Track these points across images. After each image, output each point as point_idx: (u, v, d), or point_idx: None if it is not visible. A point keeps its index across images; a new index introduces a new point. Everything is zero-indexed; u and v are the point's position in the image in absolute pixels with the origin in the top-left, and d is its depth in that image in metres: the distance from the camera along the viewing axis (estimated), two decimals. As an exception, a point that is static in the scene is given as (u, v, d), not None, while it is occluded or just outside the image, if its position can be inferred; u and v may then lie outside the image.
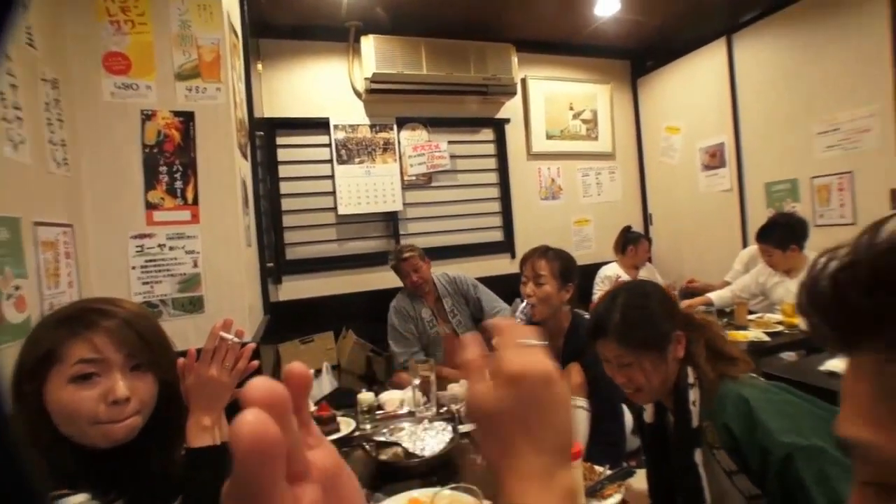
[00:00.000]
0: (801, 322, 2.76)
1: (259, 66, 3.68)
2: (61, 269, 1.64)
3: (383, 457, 1.60)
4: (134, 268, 1.93)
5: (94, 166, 1.88)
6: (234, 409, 1.13)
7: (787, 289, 3.04)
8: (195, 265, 1.99)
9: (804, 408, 1.10)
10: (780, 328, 2.83)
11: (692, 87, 4.55)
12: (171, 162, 1.94)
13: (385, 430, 1.72)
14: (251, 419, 0.23)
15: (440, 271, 3.49)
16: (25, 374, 0.90)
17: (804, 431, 1.02)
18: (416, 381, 1.92)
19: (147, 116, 1.91)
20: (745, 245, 4.03)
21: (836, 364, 2.07)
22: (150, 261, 1.95)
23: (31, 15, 1.59)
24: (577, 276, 2.18)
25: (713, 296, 3.51)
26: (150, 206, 1.93)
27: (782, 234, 3.02)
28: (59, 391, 0.89)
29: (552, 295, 2.04)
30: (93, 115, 1.86)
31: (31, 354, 0.91)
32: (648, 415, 1.41)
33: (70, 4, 1.83)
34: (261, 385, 0.25)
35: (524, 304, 2.08)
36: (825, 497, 0.99)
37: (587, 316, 2.02)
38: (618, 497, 1.30)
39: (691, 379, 1.23)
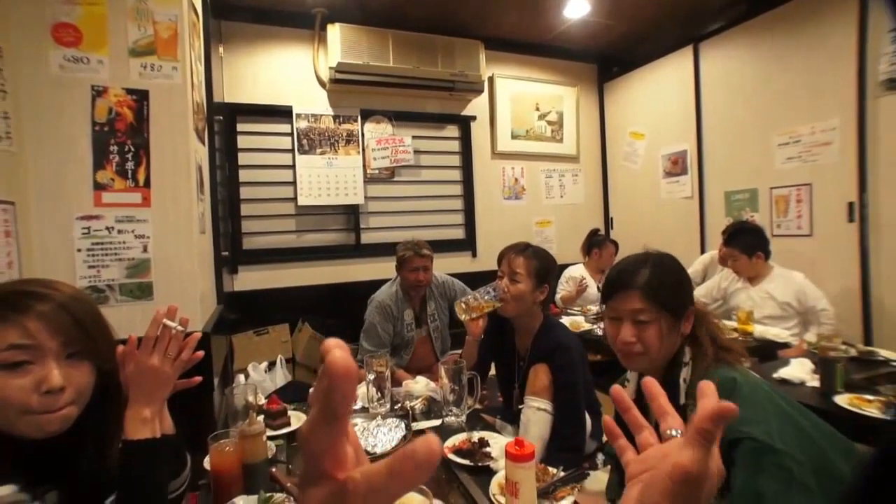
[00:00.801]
0: (755, 329, 2.84)
1: (220, 49, 3.58)
2: (0, 248, 1.55)
3: (333, 452, 1.56)
4: (80, 250, 1.83)
5: (40, 142, 1.78)
6: (175, 400, 1.08)
7: (749, 296, 3.08)
8: (145, 250, 1.91)
9: (785, 411, 1.10)
10: (735, 335, 2.82)
11: (657, 94, 4.63)
12: (122, 141, 1.85)
13: (337, 426, 1.68)
14: (341, 353, 0.31)
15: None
16: None
17: (770, 430, 1.03)
18: (371, 377, 1.88)
19: (98, 92, 1.81)
20: (703, 251, 4.12)
21: (789, 372, 2.14)
22: (97, 244, 1.86)
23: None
24: (554, 277, 2.13)
25: (689, 271, 3.59)
26: (99, 187, 1.84)
27: (750, 240, 3.06)
28: None
29: (525, 293, 1.99)
30: (39, 88, 1.76)
31: None
32: (630, 392, 1.39)
33: (16, -31, 1.72)
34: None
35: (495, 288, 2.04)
36: (743, 485, 1.02)
37: (562, 320, 2.01)
38: (570, 499, 1.30)
39: (686, 357, 1.24)
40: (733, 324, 2.96)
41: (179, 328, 1.06)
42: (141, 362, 1.01)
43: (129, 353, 1.01)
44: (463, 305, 2.11)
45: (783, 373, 2.15)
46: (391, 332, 2.99)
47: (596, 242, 4.14)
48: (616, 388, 0.54)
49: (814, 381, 2.05)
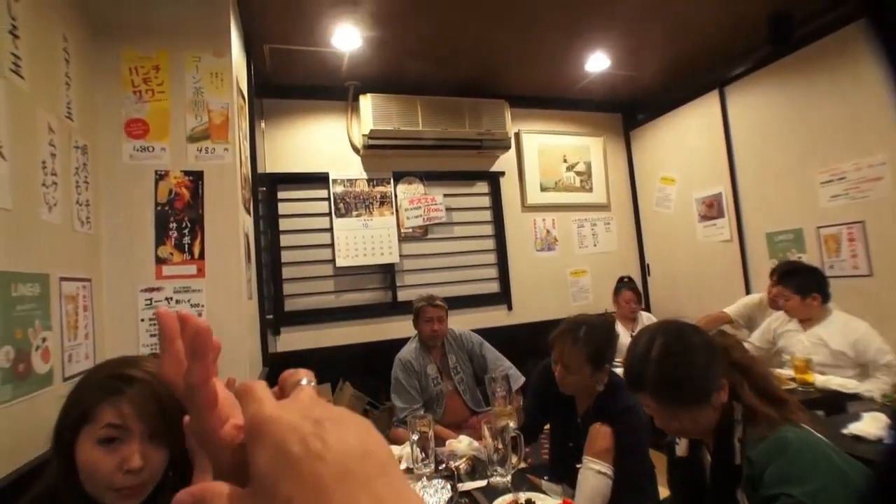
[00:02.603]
0: (815, 379, 2.58)
1: (262, 124, 3.81)
2: (80, 322, 1.70)
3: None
4: (143, 320, 1.97)
5: (112, 223, 1.98)
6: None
7: (800, 340, 2.86)
8: (199, 317, 2.03)
9: (841, 474, 1.04)
10: (793, 385, 2.63)
11: (685, 139, 4.64)
12: (180, 219, 2.01)
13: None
14: (186, 313, 0.36)
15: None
16: (63, 428, 0.98)
17: (812, 491, 1.00)
18: (415, 437, 1.91)
19: (160, 176, 2.00)
20: (747, 294, 3.96)
21: (861, 427, 1.94)
22: (158, 314, 1.98)
23: (72, 91, 1.71)
24: (615, 350, 1.99)
25: (729, 310, 3.51)
26: (160, 261, 1.99)
27: (805, 279, 2.87)
28: (87, 450, 0.96)
29: (580, 382, 1.91)
30: (113, 177, 1.99)
31: (69, 412, 1.00)
32: (682, 449, 1.37)
33: (101, 77, 1.98)
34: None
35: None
36: None
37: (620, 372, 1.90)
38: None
39: (738, 415, 1.18)
40: (790, 373, 2.74)
41: None
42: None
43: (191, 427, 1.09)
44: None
45: (854, 428, 1.95)
46: (417, 387, 3.05)
47: (616, 290, 4.15)
48: None
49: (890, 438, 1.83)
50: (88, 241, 1.84)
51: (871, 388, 2.51)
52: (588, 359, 1.88)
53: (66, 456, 0.96)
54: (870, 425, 1.93)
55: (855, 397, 2.50)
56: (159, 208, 1.98)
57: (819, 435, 1.15)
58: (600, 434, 1.81)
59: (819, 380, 2.62)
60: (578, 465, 1.84)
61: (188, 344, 0.35)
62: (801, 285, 2.86)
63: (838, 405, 2.45)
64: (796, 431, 1.11)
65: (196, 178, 2.03)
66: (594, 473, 1.76)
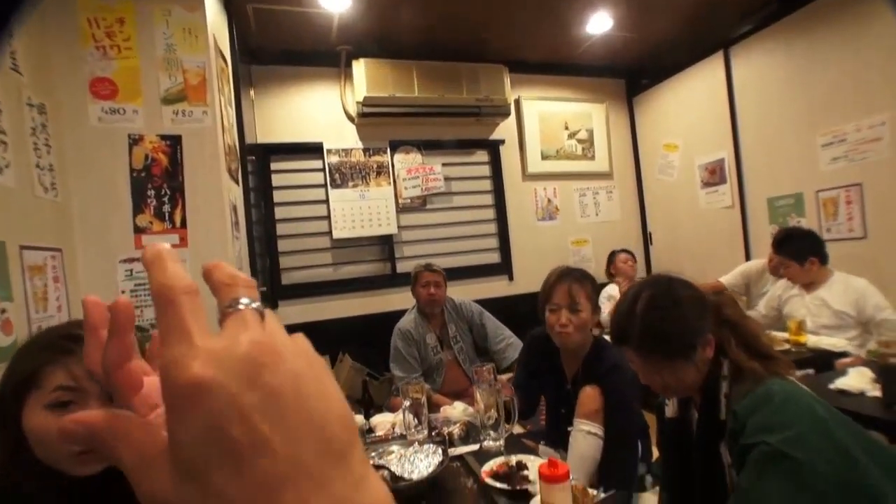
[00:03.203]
0: (808, 339, 2.67)
1: (251, 93, 3.71)
2: (50, 293, 1.63)
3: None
4: (123, 291, 1.91)
5: (83, 191, 1.88)
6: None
7: (804, 303, 2.92)
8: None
9: (822, 423, 1.03)
10: (786, 346, 2.70)
11: (689, 104, 4.54)
12: (158, 186, 1.93)
13: (374, 454, 1.67)
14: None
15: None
16: (4, 396, 0.90)
17: (789, 438, 0.99)
18: (407, 404, 1.87)
19: (134, 141, 1.91)
20: (748, 261, 3.95)
21: (846, 382, 2.02)
22: (140, 285, 1.93)
23: (15, 40, 1.60)
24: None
25: (723, 279, 3.54)
26: (139, 230, 1.92)
27: (800, 245, 2.90)
28: (35, 417, 0.89)
29: (588, 322, 1.93)
30: (80, 140, 1.87)
31: (10, 379, 0.92)
32: (671, 410, 1.36)
33: (55, 31, 1.85)
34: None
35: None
36: (746, 486, 1.00)
37: (606, 338, 1.95)
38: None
39: (725, 371, 1.18)
40: (785, 335, 2.79)
41: None
42: None
43: None
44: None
45: (840, 383, 2.02)
46: (417, 356, 3.06)
47: (610, 260, 4.18)
48: None
49: (875, 391, 1.91)
50: (56, 209, 1.75)
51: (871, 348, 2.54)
52: (591, 297, 1.96)
53: (12, 429, 0.88)
54: (854, 380, 2.03)
55: (843, 355, 2.57)
56: (135, 174, 1.90)
57: (804, 387, 1.14)
58: (588, 396, 1.85)
59: (811, 340, 2.69)
60: (570, 429, 1.88)
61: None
62: (797, 251, 2.90)
63: (827, 364, 2.51)
64: (781, 384, 1.10)
65: (174, 142, 1.94)
66: (584, 435, 1.80)
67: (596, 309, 1.98)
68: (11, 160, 1.48)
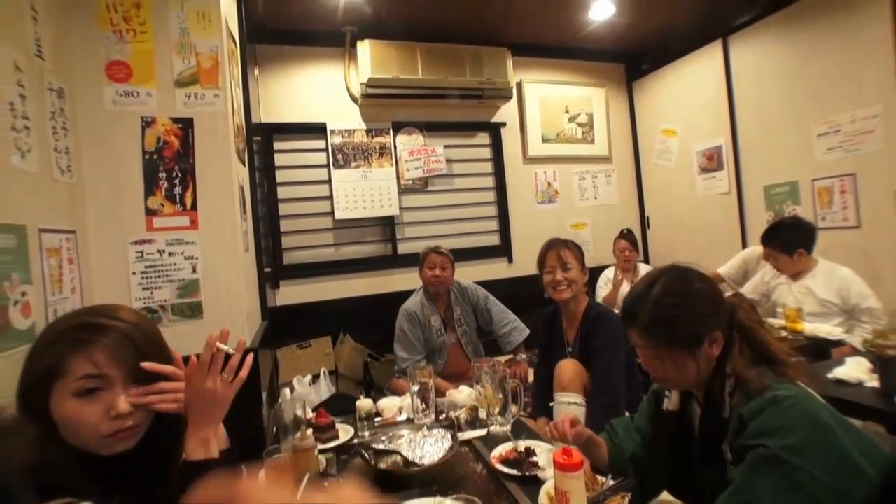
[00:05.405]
0: (804, 328, 2.71)
1: (256, 72, 3.69)
2: (65, 276, 1.65)
3: (382, 465, 1.56)
4: (134, 273, 1.93)
5: (96, 173, 1.89)
6: (226, 416, 1.13)
7: (790, 290, 2.98)
8: (194, 271, 1.99)
9: (826, 430, 1.02)
10: (783, 334, 2.73)
11: (688, 90, 4.56)
12: (170, 168, 1.94)
13: (384, 438, 1.69)
14: None
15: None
16: (31, 386, 0.93)
17: (789, 445, 1.00)
18: (415, 388, 1.91)
19: (147, 123, 1.91)
20: (744, 247, 4.00)
21: (844, 371, 2.04)
22: (150, 266, 1.95)
23: (39, 27, 1.60)
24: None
25: (721, 270, 3.57)
26: (150, 212, 1.93)
27: (787, 237, 2.94)
28: (64, 404, 0.92)
29: (578, 277, 2.30)
30: (95, 123, 1.87)
31: (34, 369, 0.94)
32: (672, 403, 1.37)
33: (76, 15, 1.84)
34: None
35: None
36: (740, 482, 1.02)
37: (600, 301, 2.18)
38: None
39: (729, 370, 1.18)
40: (781, 322, 2.86)
41: (231, 351, 1.10)
42: (197, 386, 1.06)
43: (186, 377, 1.07)
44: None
45: (838, 373, 2.05)
46: (421, 338, 3.10)
47: (615, 242, 4.17)
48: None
49: (872, 382, 1.94)
50: (71, 192, 1.76)
51: (857, 338, 2.60)
52: (579, 258, 2.35)
53: (40, 415, 0.91)
54: (852, 370, 2.06)
55: (839, 343, 2.63)
56: (147, 157, 1.90)
57: (812, 392, 1.14)
58: (562, 369, 2.14)
59: (808, 328, 2.74)
60: (551, 404, 2.12)
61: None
62: (785, 244, 2.95)
63: (822, 352, 2.57)
64: (788, 388, 1.10)
65: (186, 125, 1.94)
66: (565, 405, 2.03)
67: (584, 269, 2.34)
68: (34, 144, 1.49)
